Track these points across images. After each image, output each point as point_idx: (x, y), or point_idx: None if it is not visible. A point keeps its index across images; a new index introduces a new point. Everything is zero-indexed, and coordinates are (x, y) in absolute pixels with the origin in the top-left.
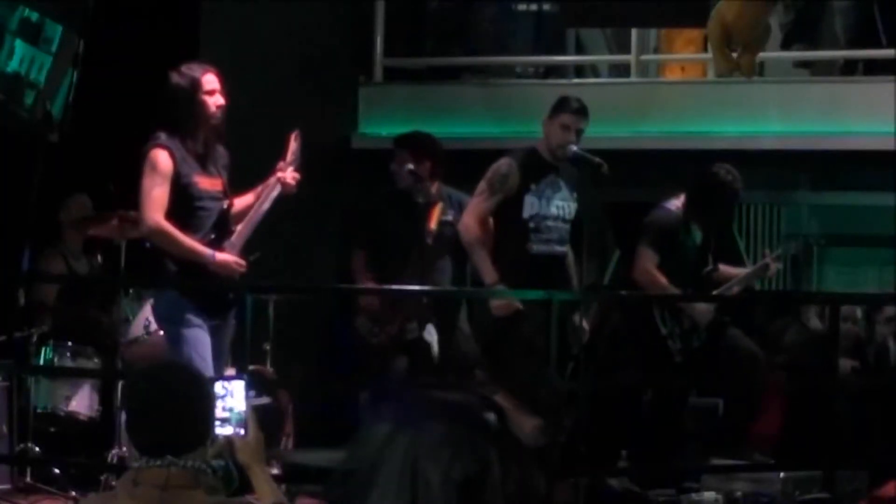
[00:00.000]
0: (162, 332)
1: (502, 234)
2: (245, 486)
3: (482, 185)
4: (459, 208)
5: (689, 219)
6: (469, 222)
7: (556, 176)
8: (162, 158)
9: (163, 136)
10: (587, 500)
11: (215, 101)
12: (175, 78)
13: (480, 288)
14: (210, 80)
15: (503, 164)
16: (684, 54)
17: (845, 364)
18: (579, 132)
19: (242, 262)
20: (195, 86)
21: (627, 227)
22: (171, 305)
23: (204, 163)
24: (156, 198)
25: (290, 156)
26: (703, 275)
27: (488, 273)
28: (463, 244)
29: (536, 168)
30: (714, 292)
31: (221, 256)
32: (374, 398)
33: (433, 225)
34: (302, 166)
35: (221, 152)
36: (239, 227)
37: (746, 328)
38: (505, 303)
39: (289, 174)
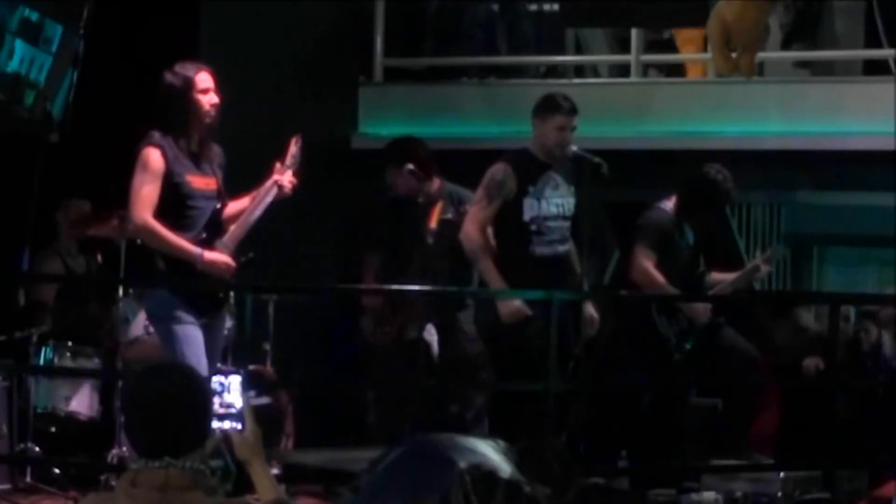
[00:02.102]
0: (154, 331)
1: (504, 239)
2: (245, 486)
3: (479, 192)
4: (460, 203)
5: (681, 219)
6: (470, 231)
7: (552, 173)
8: (153, 157)
9: (156, 136)
10: (587, 500)
11: (209, 100)
12: (168, 77)
13: (483, 288)
14: (204, 79)
15: (498, 169)
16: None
17: (810, 363)
18: (573, 129)
19: (231, 262)
20: (188, 85)
21: (627, 227)
22: (163, 303)
23: (198, 162)
24: (144, 196)
25: (288, 159)
26: (695, 276)
27: (495, 281)
28: (466, 254)
29: (532, 169)
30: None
31: (210, 255)
32: (400, 453)
33: (433, 224)
34: (301, 171)
35: (216, 151)
36: (232, 228)
37: (744, 328)
38: (514, 310)
39: (286, 178)
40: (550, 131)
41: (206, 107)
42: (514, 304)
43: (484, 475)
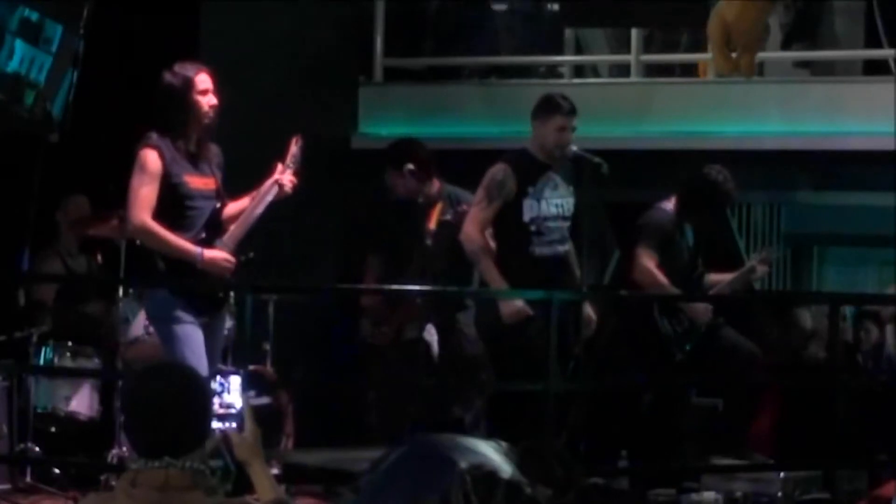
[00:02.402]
0: (154, 331)
1: (504, 240)
2: (245, 486)
3: (480, 193)
4: (458, 205)
5: (681, 220)
6: (470, 232)
7: (552, 174)
8: (151, 158)
9: (153, 136)
10: (587, 500)
11: (208, 101)
12: (168, 77)
13: (483, 288)
14: (203, 80)
15: (498, 170)
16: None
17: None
18: (573, 130)
19: (231, 259)
20: (188, 85)
21: (627, 227)
22: (162, 304)
23: (196, 162)
24: (143, 197)
25: (289, 159)
26: (694, 277)
27: (496, 281)
28: (467, 254)
29: (531, 170)
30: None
31: (209, 254)
32: (400, 454)
33: (433, 225)
34: (302, 171)
35: (215, 151)
36: (232, 228)
37: (744, 328)
38: (515, 310)
39: (286, 178)
40: (550, 132)
41: (205, 108)
42: (515, 305)
43: (484, 475)
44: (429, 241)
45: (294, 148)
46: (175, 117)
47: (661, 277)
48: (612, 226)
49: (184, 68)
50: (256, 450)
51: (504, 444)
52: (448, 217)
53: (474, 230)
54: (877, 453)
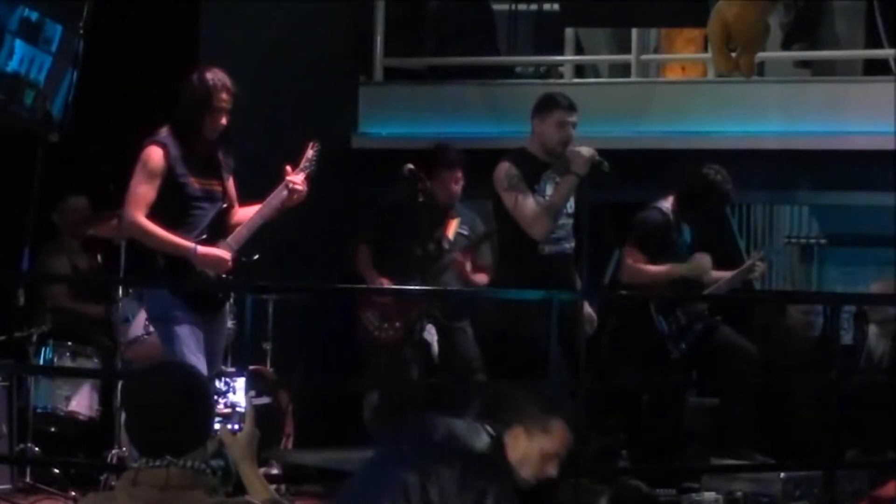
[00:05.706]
0: (154, 331)
1: (512, 237)
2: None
3: (510, 196)
4: (472, 223)
5: (679, 219)
6: (529, 212)
7: (552, 172)
8: (154, 156)
9: (162, 134)
10: (586, 500)
11: (218, 120)
12: (194, 80)
13: (483, 288)
14: (223, 100)
15: (506, 165)
16: (684, 54)
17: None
18: (574, 126)
19: (226, 254)
20: (206, 97)
21: (627, 227)
22: (163, 304)
23: (204, 163)
24: (139, 195)
25: (303, 162)
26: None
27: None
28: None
29: (532, 169)
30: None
31: (203, 249)
32: (387, 439)
33: (451, 235)
34: (315, 175)
35: (226, 154)
36: (238, 228)
37: (743, 328)
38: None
39: (298, 180)
40: (551, 128)
41: (211, 126)
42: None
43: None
44: (447, 246)
45: (310, 152)
46: (185, 121)
47: (648, 268)
48: (612, 226)
49: (214, 77)
50: (248, 451)
51: (489, 427)
52: (465, 231)
53: (531, 215)
54: (877, 453)
